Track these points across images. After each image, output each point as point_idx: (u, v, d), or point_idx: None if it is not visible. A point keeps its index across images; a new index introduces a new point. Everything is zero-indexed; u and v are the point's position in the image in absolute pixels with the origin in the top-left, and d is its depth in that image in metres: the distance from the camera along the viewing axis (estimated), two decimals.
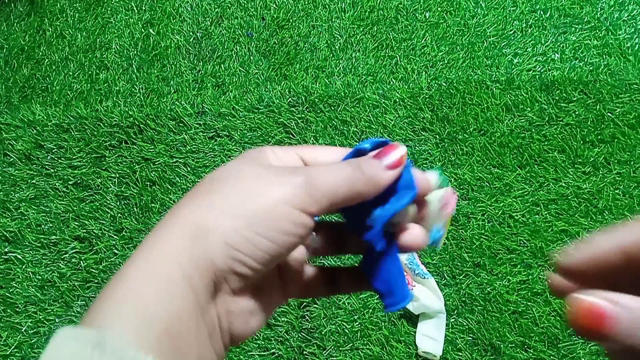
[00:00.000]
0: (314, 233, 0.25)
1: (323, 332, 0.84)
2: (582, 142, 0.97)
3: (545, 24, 1.11)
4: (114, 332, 0.18)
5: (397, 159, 0.22)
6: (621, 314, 0.15)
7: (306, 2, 1.15)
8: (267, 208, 0.20)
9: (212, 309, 0.20)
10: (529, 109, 1.01)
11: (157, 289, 0.19)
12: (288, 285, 0.25)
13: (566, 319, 0.17)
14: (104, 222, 0.95)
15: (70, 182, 0.98)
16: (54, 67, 1.11)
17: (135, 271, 0.19)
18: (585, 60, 1.06)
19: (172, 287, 0.19)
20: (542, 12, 1.13)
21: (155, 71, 1.09)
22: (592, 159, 0.96)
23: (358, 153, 0.24)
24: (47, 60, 1.12)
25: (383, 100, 1.02)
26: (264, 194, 0.20)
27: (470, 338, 0.84)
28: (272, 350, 0.84)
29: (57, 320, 0.88)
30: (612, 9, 1.12)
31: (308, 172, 0.21)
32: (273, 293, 0.24)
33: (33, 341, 0.87)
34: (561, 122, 0.99)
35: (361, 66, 1.08)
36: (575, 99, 1.01)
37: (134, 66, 1.10)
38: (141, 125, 1.02)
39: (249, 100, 1.04)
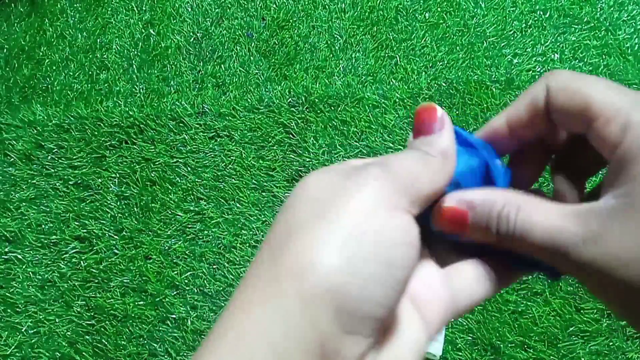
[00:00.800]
0: None
1: None
2: None
3: (544, 24, 1.11)
4: None
5: (434, 117, 0.20)
6: (473, 211, 0.19)
7: (306, 3, 1.16)
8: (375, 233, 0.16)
9: None
10: None
11: None
12: None
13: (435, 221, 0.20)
14: (104, 222, 0.95)
15: (70, 182, 0.98)
16: (54, 68, 1.11)
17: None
18: (585, 60, 1.06)
19: None
20: (541, 13, 1.13)
21: (156, 71, 1.10)
22: None
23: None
24: (47, 60, 1.12)
25: (383, 100, 1.02)
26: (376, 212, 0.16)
27: (470, 338, 0.85)
28: None
29: (57, 320, 0.89)
30: (612, 9, 1.12)
31: (401, 174, 0.18)
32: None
33: (33, 341, 0.87)
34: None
35: (361, 66, 1.08)
36: None
37: (134, 66, 1.11)
38: (141, 126, 1.02)
39: (249, 100, 1.04)
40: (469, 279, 0.20)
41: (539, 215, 0.18)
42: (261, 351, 0.14)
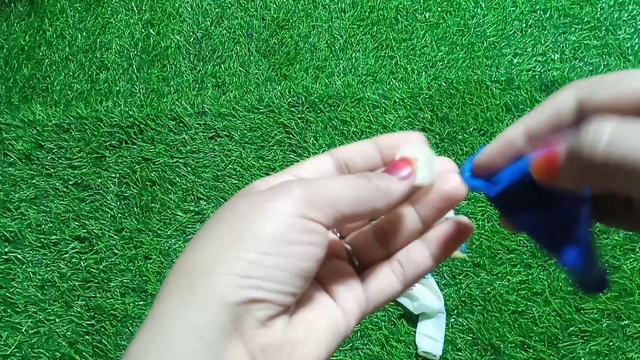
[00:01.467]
0: None
1: None
2: None
3: (545, 24, 1.11)
4: None
5: (409, 171, 0.21)
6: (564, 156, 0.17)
7: (306, 3, 1.15)
8: (268, 225, 0.18)
9: (237, 352, 0.18)
10: (528, 109, 1.01)
11: None
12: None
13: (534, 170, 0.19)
14: (104, 222, 0.95)
15: (70, 182, 0.98)
16: (54, 67, 1.11)
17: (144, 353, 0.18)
18: (585, 60, 1.06)
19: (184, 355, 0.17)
20: (542, 12, 1.13)
21: (156, 71, 1.10)
22: None
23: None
24: (47, 60, 1.12)
25: (383, 100, 1.02)
26: (260, 214, 0.18)
27: (470, 338, 0.84)
28: None
29: (57, 320, 0.89)
30: (612, 9, 1.12)
31: (305, 181, 0.20)
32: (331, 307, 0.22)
33: (33, 341, 0.88)
34: None
35: (361, 66, 1.08)
36: None
37: (134, 66, 1.10)
38: (141, 125, 1.02)
39: (249, 100, 1.04)
40: (382, 282, 0.22)
41: (632, 121, 0.15)
42: (183, 334, 0.17)
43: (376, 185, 0.20)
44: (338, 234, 0.25)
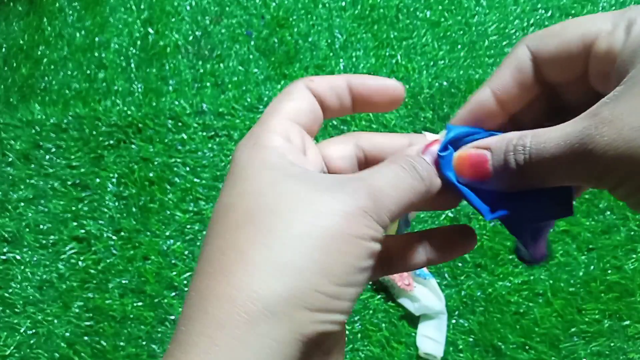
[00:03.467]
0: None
1: None
2: None
3: (546, 23, 1.11)
4: None
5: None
6: (491, 155, 0.19)
7: (306, 1, 1.15)
8: (345, 254, 0.16)
9: None
10: None
11: None
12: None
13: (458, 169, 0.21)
14: (102, 222, 0.95)
15: (68, 182, 0.98)
16: (52, 67, 1.11)
17: None
18: None
19: None
20: (543, 11, 1.12)
21: (154, 70, 1.09)
22: None
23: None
24: (45, 59, 1.12)
25: None
26: (317, 226, 0.16)
27: (471, 339, 0.84)
28: None
29: (55, 320, 0.88)
30: (613, 8, 1.11)
31: (369, 182, 0.18)
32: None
33: (32, 342, 0.87)
34: None
35: (362, 65, 1.07)
36: None
37: (132, 65, 1.10)
38: (140, 125, 1.01)
39: (248, 99, 1.03)
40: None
41: (550, 132, 0.18)
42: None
43: (426, 175, 0.20)
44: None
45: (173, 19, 1.14)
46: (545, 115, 0.22)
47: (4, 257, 0.93)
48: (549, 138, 0.17)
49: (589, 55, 0.18)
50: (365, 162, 0.23)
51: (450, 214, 0.91)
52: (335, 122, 1.00)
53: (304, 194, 0.17)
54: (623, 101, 0.15)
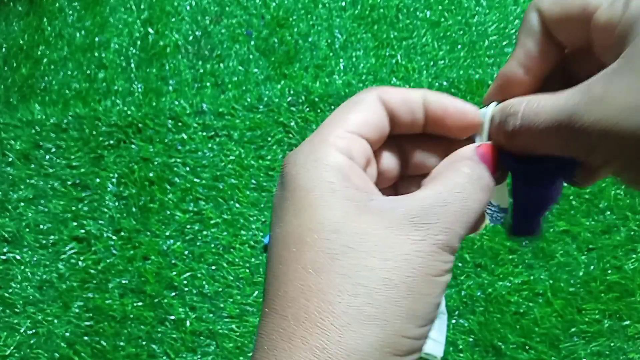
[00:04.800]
0: None
1: None
2: None
3: None
4: None
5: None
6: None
7: (306, 1, 1.15)
8: (426, 295, 0.16)
9: None
10: None
11: None
12: None
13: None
14: (102, 222, 0.95)
15: (68, 182, 0.98)
16: (52, 67, 1.11)
17: None
18: None
19: None
20: None
21: (154, 70, 1.09)
22: None
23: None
24: (45, 59, 1.12)
25: None
26: (398, 271, 0.16)
27: (471, 339, 0.84)
28: None
29: (55, 320, 0.88)
30: None
31: (440, 211, 0.17)
32: None
33: (32, 342, 0.87)
34: None
35: (362, 65, 1.07)
36: None
37: (132, 65, 1.10)
38: (140, 125, 1.01)
39: (248, 99, 1.03)
40: None
41: (544, 100, 0.18)
42: None
43: (492, 184, 0.19)
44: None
45: (173, 19, 1.14)
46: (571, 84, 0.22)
47: (4, 257, 0.93)
48: (542, 107, 0.18)
49: (589, 25, 0.18)
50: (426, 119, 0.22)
51: None
52: None
53: (382, 234, 0.17)
54: (616, 79, 0.16)
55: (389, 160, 0.23)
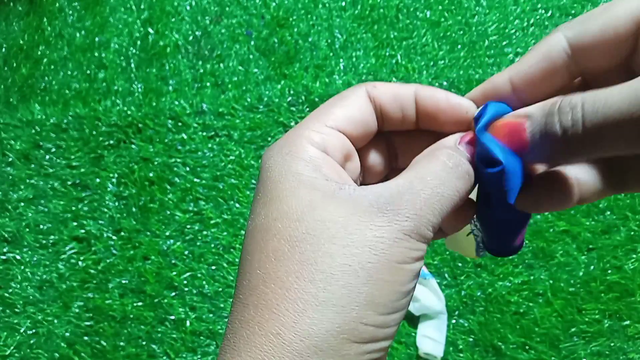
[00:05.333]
0: None
1: None
2: None
3: (546, 23, 1.10)
4: None
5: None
6: (531, 123, 0.17)
7: (306, 1, 1.15)
8: (391, 282, 0.16)
9: None
10: None
11: None
12: None
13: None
14: (102, 222, 0.95)
15: (68, 182, 0.98)
16: (52, 67, 1.11)
17: None
18: None
19: None
20: (543, 11, 1.12)
21: (154, 70, 1.09)
22: None
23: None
24: (45, 59, 1.12)
25: None
26: (360, 258, 0.16)
27: (471, 339, 0.84)
28: None
29: (55, 320, 0.88)
30: None
31: (410, 197, 0.17)
32: None
33: (32, 342, 0.87)
34: None
35: (362, 65, 1.07)
36: None
37: (132, 65, 1.10)
38: (140, 125, 1.01)
39: (248, 99, 1.03)
40: None
41: (611, 91, 0.15)
42: None
43: (470, 171, 0.18)
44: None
45: (173, 19, 1.14)
46: None
47: (4, 257, 0.93)
48: (610, 97, 0.15)
49: (614, 44, 0.17)
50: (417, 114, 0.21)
51: None
52: None
53: (344, 221, 0.16)
54: None
55: (377, 157, 0.22)
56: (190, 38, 1.12)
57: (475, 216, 0.22)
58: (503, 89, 0.20)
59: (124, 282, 0.90)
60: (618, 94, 0.15)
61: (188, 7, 1.15)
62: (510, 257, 0.88)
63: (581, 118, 0.16)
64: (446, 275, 0.88)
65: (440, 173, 0.18)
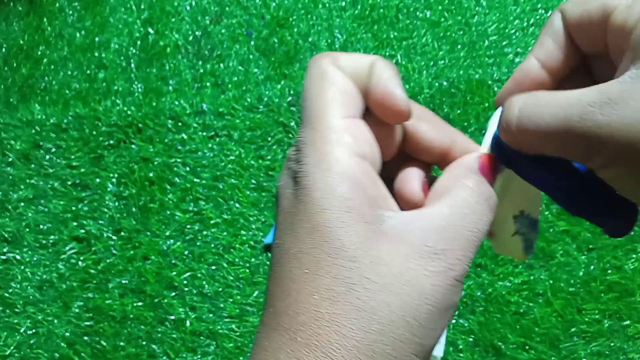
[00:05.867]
0: None
1: None
2: None
3: None
4: None
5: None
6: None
7: (306, 1, 1.15)
8: (429, 323, 0.16)
9: None
10: None
11: None
12: None
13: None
14: (102, 222, 0.95)
15: (68, 182, 0.98)
16: (52, 67, 1.11)
17: None
18: None
19: None
20: (543, 11, 1.12)
21: (154, 70, 1.09)
22: None
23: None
24: (45, 59, 1.12)
25: None
26: (415, 305, 0.16)
27: (471, 339, 0.84)
28: None
29: (55, 320, 0.88)
30: None
31: (455, 235, 0.17)
32: None
33: (32, 342, 0.87)
34: None
35: None
36: None
37: (132, 65, 1.10)
38: (140, 125, 1.01)
39: (248, 99, 1.03)
40: None
41: (552, 98, 0.17)
42: None
43: (495, 203, 0.19)
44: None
45: (173, 19, 1.14)
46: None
47: (4, 257, 0.93)
48: (547, 104, 0.16)
49: (606, 27, 0.17)
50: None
51: None
52: None
53: (399, 263, 0.16)
54: (635, 84, 0.15)
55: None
56: (191, 38, 1.12)
57: (518, 214, 0.21)
58: (534, 72, 0.20)
59: (124, 282, 0.90)
60: (549, 106, 0.16)
61: (188, 7, 1.16)
62: (510, 257, 0.88)
63: (515, 120, 0.17)
64: None
65: (475, 206, 0.18)
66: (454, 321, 0.85)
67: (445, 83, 1.03)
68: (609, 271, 0.88)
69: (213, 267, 0.91)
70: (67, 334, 0.88)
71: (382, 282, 0.16)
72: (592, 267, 0.88)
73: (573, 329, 0.84)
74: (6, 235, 0.94)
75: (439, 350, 0.81)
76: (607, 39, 0.18)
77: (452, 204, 0.18)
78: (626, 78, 0.15)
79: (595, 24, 0.18)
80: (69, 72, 1.10)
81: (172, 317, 0.87)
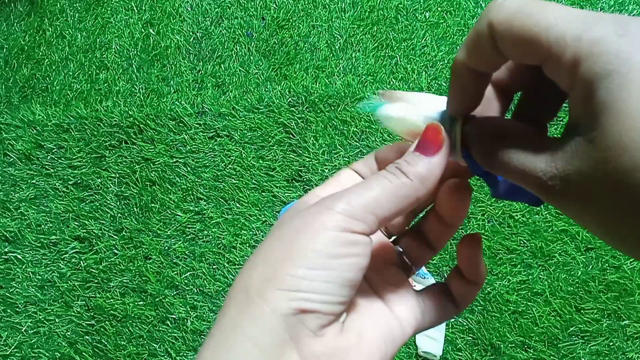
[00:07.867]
0: (398, 247, 0.26)
1: None
2: None
3: None
4: None
5: (437, 140, 0.21)
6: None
7: (306, 2, 1.15)
8: (313, 241, 0.20)
9: (292, 359, 0.20)
10: None
11: None
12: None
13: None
14: (103, 222, 0.95)
15: (70, 182, 0.98)
16: (54, 67, 1.11)
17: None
18: None
19: None
20: None
21: (155, 71, 1.09)
22: None
23: None
24: (47, 60, 1.12)
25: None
26: (306, 232, 0.20)
27: (470, 338, 0.84)
28: None
29: (57, 320, 0.88)
30: (612, 9, 1.12)
31: (342, 195, 0.21)
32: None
33: (33, 341, 0.87)
34: (561, 122, 0.99)
35: (361, 66, 1.07)
36: None
37: (134, 66, 1.10)
38: (141, 125, 1.02)
39: (249, 100, 1.04)
40: (435, 302, 0.24)
41: (515, 150, 0.18)
42: (243, 343, 0.19)
43: (412, 176, 0.21)
44: (386, 233, 0.26)
45: (174, 20, 1.15)
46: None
47: (5, 257, 0.93)
48: (511, 158, 0.18)
49: (542, 51, 0.17)
50: None
51: None
52: (335, 123, 1.00)
53: (296, 216, 0.21)
54: (577, 160, 0.16)
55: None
56: (191, 39, 1.13)
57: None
58: (463, 73, 0.20)
59: (125, 281, 0.90)
60: (516, 159, 0.18)
61: (189, 9, 1.16)
62: (509, 257, 0.89)
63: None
64: (445, 274, 0.88)
65: (377, 180, 0.22)
66: (452, 320, 0.85)
67: (444, 84, 1.04)
68: (608, 271, 0.88)
69: (214, 267, 0.91)
70: (69, 333, 0.88)
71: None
72: (590, 266, 0.88)
73: (572, 328, 0.84)
74: (7, 235, 0.95)
75: (437, 349, 0.81)
76: (545, 69, 0.17)
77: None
78: (570, 148, 0.16)
79: (527, 54, 0.17)
80: (70, 73, 1.11)
81: (173, 316, 0.88)
